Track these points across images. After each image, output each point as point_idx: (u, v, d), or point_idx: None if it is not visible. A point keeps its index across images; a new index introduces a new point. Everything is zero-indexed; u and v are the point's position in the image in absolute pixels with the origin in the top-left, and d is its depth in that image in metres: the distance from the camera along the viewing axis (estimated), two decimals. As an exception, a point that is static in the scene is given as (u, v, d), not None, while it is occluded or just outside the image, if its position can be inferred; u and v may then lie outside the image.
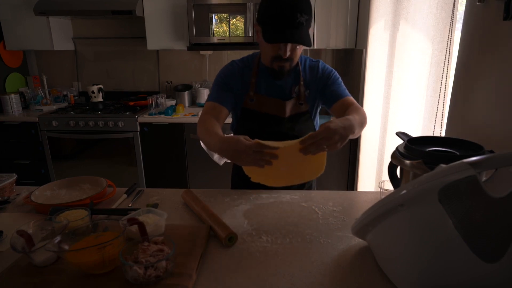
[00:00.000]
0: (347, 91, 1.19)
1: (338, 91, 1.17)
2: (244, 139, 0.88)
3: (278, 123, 1.16)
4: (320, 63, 1.21)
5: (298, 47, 1.05)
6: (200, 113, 1.19)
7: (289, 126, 1.17)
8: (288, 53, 1.03)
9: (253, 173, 0.95)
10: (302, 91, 1.16)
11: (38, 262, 0.73)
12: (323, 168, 0.98)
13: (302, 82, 1.16)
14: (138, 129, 2.54)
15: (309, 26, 1.01)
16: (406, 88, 1.63)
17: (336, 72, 1.22)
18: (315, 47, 2.54)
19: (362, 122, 1.04)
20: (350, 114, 1.02)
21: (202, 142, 1.09)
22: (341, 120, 0.92)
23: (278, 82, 1.15)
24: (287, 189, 1.15)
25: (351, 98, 1.16)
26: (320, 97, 1.20)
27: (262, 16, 1.02)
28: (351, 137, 0.94)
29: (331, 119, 0.97)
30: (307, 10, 0.98)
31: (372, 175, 2.16)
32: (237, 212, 1.01)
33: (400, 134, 0.93)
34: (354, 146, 2.48)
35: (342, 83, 1.21)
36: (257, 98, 1.15)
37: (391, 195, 0.63)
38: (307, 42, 0.99)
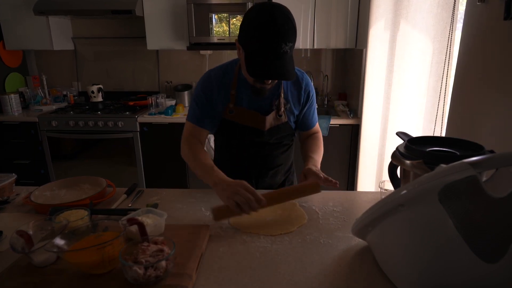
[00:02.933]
0: (316, 115, 1.27)
1: (311, 119, 1.25)
2: (244, 189, 0.89)
3: (257, 135, 1.15)
4: (305, 77, 1.18)
5: None
6: (184, 129, 1.18)
7: (268, 137, 1.17)
8: (269, 82, 1.03)
9: (240, 224, 0.94)
10: (282, 104, 1.14)
11: (38, 262, 0.73)
12: (305, 217, 0.98)
13: (282, 95, 1.14)
14: (138, 129, 2.54)
15: (292, 51, 0.97)
16: (406, 88, 1.63)
17: (314, 94, 1.23)
18: (315, 47, 2.54)
19: (321, 155, 1.21)
20: (315, 149, 1.19)
21: (190, 166, 1.12)
22: (317, 167, 1.08)
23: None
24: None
25: (317, 125, 1.29)
26: (301, 113, 1.22)
27: (245, 41, 0.96)
28: None
29: (309, 167, 1.07)
30: (293, 38, 0.94)
31: (372, 175, 2.16)
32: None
33: (400, 134, 0.92)
34: (354, 146, 2.48)
35: (315, 105, 1.26)
36: (237, 110, 1.12)
37: (391, 195, 0.63)
38: (291, 74, 0.96)
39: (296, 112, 1.20)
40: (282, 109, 1.15)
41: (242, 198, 0.87)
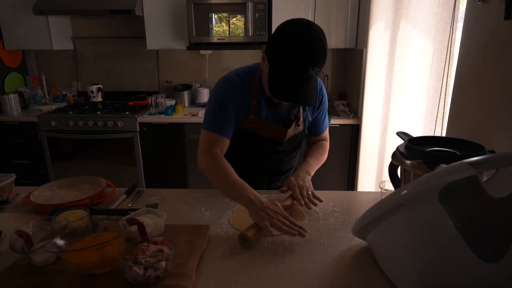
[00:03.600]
0: (327, 122, 1.25)
1: (322, 125, 1.23)
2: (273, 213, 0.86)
3: (276, 145, 1.14)
4: (318, 81, 1.13)
5: None
6: (201, 114, 1.14)
7: (286, 146, 1.17)
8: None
9: (240, 224, 0.93)
10: (301, 113, 1.12)
11: (38, 262, 0.73)
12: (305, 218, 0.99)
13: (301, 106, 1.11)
14: (138, 129, 2.53)
15: (317, 75, 0.94)
16: (406, 88, 1.62)
17: (326, 98, 1.20)
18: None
19: (321, 163, 1.19)
20: (316, 155, 1.18)
21: (211, 179, 1.04)
22: (301, 174, 1.07)
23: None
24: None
25: (327, 131, 1.27)
26: (312, 119, 1.20)
27: (273, 55, 0.91)
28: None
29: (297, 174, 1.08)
30: (322, 63, 0.89)
31: (373, 175, 2.16)
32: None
33: (400, 134, 0.92)
34: (354, 146, 2.48)
35: (326, 111, 1.24)
36: (257, 121, 1.08)
37: (391, 195, 0.63)
38: (313, 99, 0.93)
39: (311, 119, 1.18)
40: (301, 119, 1.13)
41: (279, 223, 0.84)
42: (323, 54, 0.88)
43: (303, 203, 0.99)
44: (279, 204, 0.90)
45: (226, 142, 1.07)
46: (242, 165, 1.18)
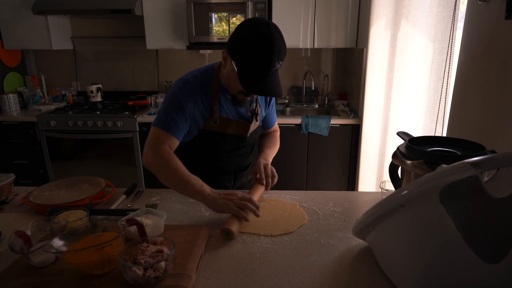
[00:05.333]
0: (275, 116, 1.36)
1: (272, 118, 1.34)
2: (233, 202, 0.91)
3: (240, 141, 1.19)
4: None
5: None
6: (149, 135, 1.05)
7: (249, 142, 1.22)
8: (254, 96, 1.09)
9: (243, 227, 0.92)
10: (258, 109, 1.19)
11: (37, 262, 0.73)
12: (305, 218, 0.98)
13: (256, 101, 1.18)
14: (137, 129, 2.53)
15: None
16: (407, 88, 1.62)
17: None
18: (316, 46, 2.53)
19: (276, 151, 1.30)
20: (270, 145, 1.28)
21: (159, 176, 1.02)
22: (266, 160, 1.17)
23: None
24: (287, 190, 1.15)
25: (276, 123, 1.38)
26: (266, 114, 1.28)
27: (238, 53, 0.96)
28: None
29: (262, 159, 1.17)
30: (284, 56, 0.97)
31: (373, 175, 2.16)
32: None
33: (401, 134, 0.92)
34: (354, 146, 2.48)
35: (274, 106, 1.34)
36: (221, 120, 1.11)
37: (392, 196, 0.63)
38: (281, 91, 1.00)
39: (264, 114, 1.27)
40: (259, 113, 1.20)
41: (244, 202, 0.90)
42: (284, 48, 0.96)
43: (265, 182, 1.08)
44: (235, 191, 0.97)
45: (176, 143, 1.05)
46: (207, 165, 1.21)
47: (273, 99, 1.30)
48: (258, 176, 1.10)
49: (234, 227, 0.86)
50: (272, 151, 1.26)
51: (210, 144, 1.15)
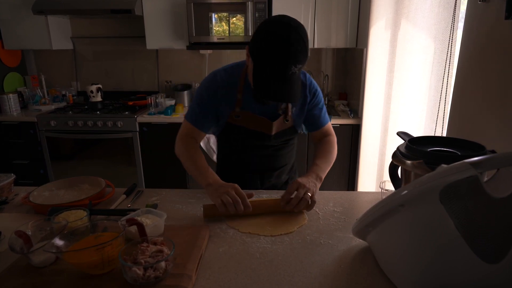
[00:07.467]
0: (327, 116, 1.23)
1: (320, 118, 1.20)
2: (233, 191, 0.92)
3: (264, 139, 1.14)
4: (308, 77, 1.15)
5: None
6: (182, 125, 1.16)
7: (274, 141, 1.16)
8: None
9: (239, 224, 0.93)
10: (289, 108, 1.13)
11: (37, 262, 0.73)
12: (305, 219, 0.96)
13: None
14: (137, 129, 2.53)
15: (300, 71, 0.95)
16: (407, 88, 1.62)
17: (320, 93, 1.20)
18: (316, 46, 2.53)
19: (332, 161, 1.16)
20: (323, 155, 1.15)
21: (183, 164, 1.11)
22: (311, 179, 1.01)
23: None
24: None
25: (329, 125, 1.24)
26: (304, 115, 1.18)
27: (255, 52, 0.93)
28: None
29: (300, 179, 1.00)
30: (303, 59, 0.91)
31: (373, 175, 2.16)
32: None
33: (401, 134, 0.92)
34: (354, 146, 2.48)
35: (324, 106, 1.21)
36: (243, 115, 1.10)
37: (392, 196, 0.63)
38: (295, 97, 0.94)
39: (301, 115, 1.17)
40: (290, 113, 1.13)
41: (229, 199, 0.90)
42: (303, 51, 0.90)
43: (284, 206, 0.96)
44: (237, 186, 0.94)
45: (201, 134, 1.16)
46: (234, 161, 1.20)
47: (318, 98, 1.17)
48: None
49: (210, 210, 0.94)
50: (325, 162, 1.13)
51: (233, 137, 1.16)
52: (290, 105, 1.13)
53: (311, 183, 0.99)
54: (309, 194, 0.94)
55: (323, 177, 1.07)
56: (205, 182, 1.00)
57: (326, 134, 1.23)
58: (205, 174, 1.02)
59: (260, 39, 0.92)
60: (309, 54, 0.93)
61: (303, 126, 1.24)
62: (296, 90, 0.94)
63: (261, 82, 0.93)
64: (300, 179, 0.99)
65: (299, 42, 0.88)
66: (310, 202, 0.94)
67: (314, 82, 1.18)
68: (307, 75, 1.17)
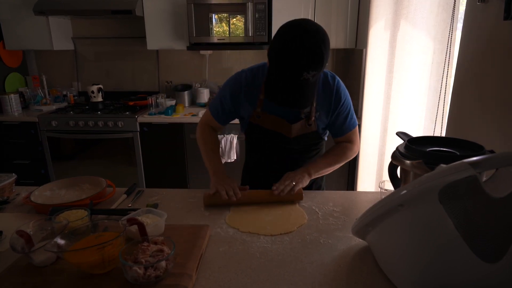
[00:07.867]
0: (352, 123, 1.17)
1: (343, 126, 1.15)
2: (231, 187, 1.04)
3: (284, 141, 1.13)
4: (336, 82, 1.12)
5: None
6: (201, 114, 1.24)
7: (295, 144, 1.15)
8: None
9: (239, 224, 0.94)
10: (312, 112, 1.09)
11: (38, 262, 0.73)
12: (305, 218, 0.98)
13: (314, 104, 1.08)
14: (138, 129, 2.54)
15: (317, 78, 0.93)
16: (406, 88, 1.62)
17: (348, 97, 1.15)
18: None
19: (334, 165, 1.16)
20: (330, 156, 1.17)
21: (199, 147, 1.23)
22: (300, 171, 1.09)
23: None
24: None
25: (351, 134, 1.18)
26: (329, 121, 1.15)
27: (270, 56, 0.92)
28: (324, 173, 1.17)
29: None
30: (318, 66, 0.87)
31: (372, 175, 2.16)
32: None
33: (400, 134, 0.92)
34: (354, 146, 2.48)
35: (352, 110, 1.17)
36: (264, 115, 1.10)
37: (391, 195, 0.63)
38: (305, 104, 0.93)
39: (326, 121, 1.14)
40: (313, 118, 1.10)
41: (224, 188, 1.03)
42: (318, 57, 0.87)
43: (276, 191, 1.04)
44: (235, 181, 1.07)
45: (220, 126, 1.24)
46: (259, 162, 1.23)
47: (344, 105, 1.13)
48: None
49: (210, 198, 1.04)
50: (325, 162, 1.13)
51: (254, 136, 1.19)
52: (313, 110, 1.09)
53: (298, 175, 1.08)
54: (293, 182, 1.05)
55: (314, 174, 1.11)
56: (212, 171, 1.13)
57: (347, 141, 1.19)
58: (213, 162, 1.16)
59: (275, 42, 0.90)
60: (326, 60, 0.89)
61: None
62: (307, 96, 0.92)
63: (270, 86, 0.93)
64: (290, 172, 1.10)
65: (314, 46, 0.85)
66: (293, 187, 1.04)
67: (342, 87, 1.13)
68: (337, 80, 1.12)
